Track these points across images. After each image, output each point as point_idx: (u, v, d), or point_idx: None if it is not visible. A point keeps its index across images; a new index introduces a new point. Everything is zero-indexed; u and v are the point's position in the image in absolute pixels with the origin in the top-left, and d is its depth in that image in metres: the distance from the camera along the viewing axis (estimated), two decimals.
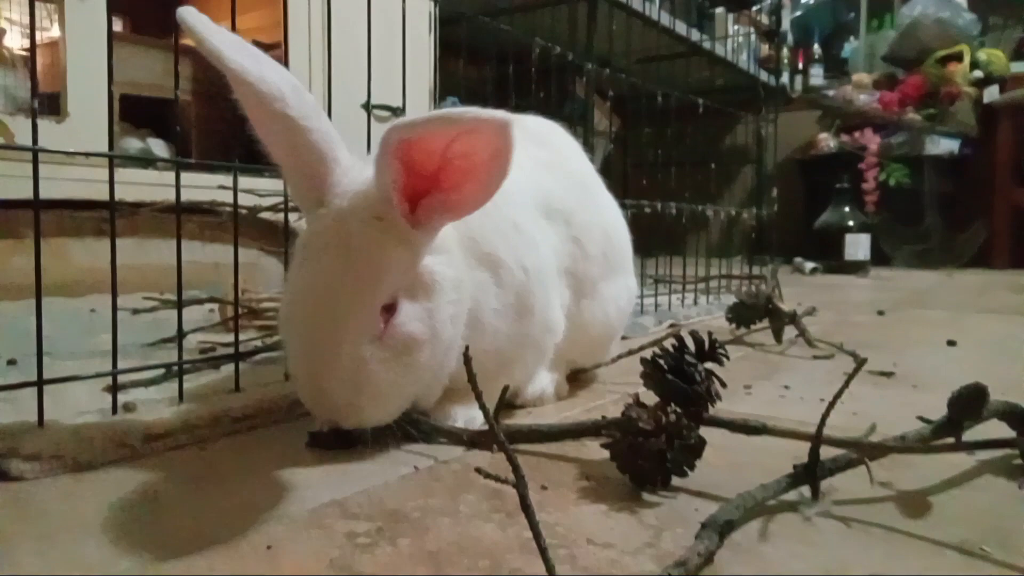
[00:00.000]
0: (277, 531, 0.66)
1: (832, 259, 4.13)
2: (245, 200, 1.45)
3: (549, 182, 1.08)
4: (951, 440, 0.78)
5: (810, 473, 0.74)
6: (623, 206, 1.92)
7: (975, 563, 0.62)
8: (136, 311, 1.39)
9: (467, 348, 0.55)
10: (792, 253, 4.30)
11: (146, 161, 2.17)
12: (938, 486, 0.79)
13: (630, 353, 1.31)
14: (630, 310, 1.30)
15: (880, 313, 2.28)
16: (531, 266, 0.95)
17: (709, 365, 0.85)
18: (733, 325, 1.73)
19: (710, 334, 0.89)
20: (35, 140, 0.84)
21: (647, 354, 0.86)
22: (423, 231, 0.81)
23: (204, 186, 1.55)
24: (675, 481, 0.77)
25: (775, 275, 1.87)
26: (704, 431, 0.79)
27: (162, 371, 1.07)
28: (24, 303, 1.68)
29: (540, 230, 1.03)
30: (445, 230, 0.86)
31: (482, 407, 0.55)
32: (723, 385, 0.87)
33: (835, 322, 2.08)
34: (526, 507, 0.52)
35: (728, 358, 0.89)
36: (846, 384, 0.74)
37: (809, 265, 4.09)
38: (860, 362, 0.73)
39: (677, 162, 2.42)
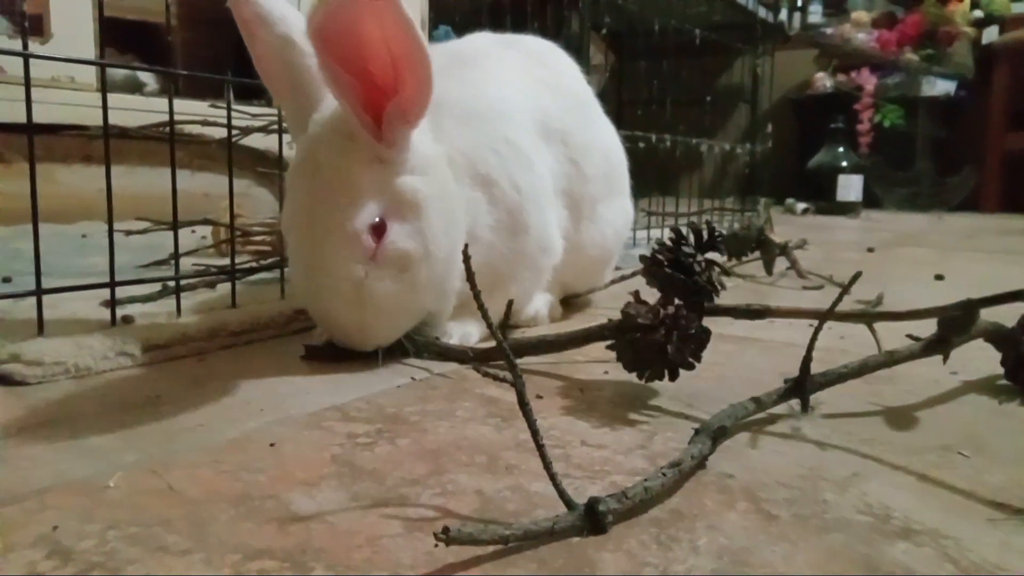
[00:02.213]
0: (279, 430, 0.67)
1: (824, 200, 4.14)
2: (237, 122, 1.44)
3: (547, 102, 1.07)
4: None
5: (800, 386, 0.75)
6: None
7: (951, 460, 0.64)
8: (129, 232, 1.38)
9: (466, 247, 0.55)
10: (785, 194, 4.30)
11: (135, 86, 2.13)
12: (924, 403, 0.81)
13: (623, 279, 1.33)
14: (627, 233, 1.31)
15: (870, 250, 2.29)
16: (525, 185, 0.95)
17: (709, 255, 0.85)
18: (725, 257, 1.74)
19: (708, 222, 0.89)
20: (25, 45, 0.83)
21: (646, 252, 0.86)
22: (392, 146, 0.81)
23: (192, 113, 1.54)
24: (670, 394, 0.79)
25: (767, 209, 1.87)
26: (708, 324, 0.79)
27: (159, 287, 1.08)
28: (14, 228, 1.67)
29: (537, 150, 1.02)
30: (428, 151, 0.86)
31: (484, 314, 0.55)
32: (725, 274, 0.87)
33: (825, 258, 2.10)
34: (523, 404, 0.53)
35: (725, 249, 0.90)
36: (837, 300, 0.75)
37: (801, 206, 4.10)
38: (846, 286, 0.74)
39: (672, 98, 2.40)
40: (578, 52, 2.63)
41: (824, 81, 4.64)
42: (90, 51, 2.41)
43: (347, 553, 0.47)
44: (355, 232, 0.79)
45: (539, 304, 1.11)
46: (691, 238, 0.82)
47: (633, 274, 1.29)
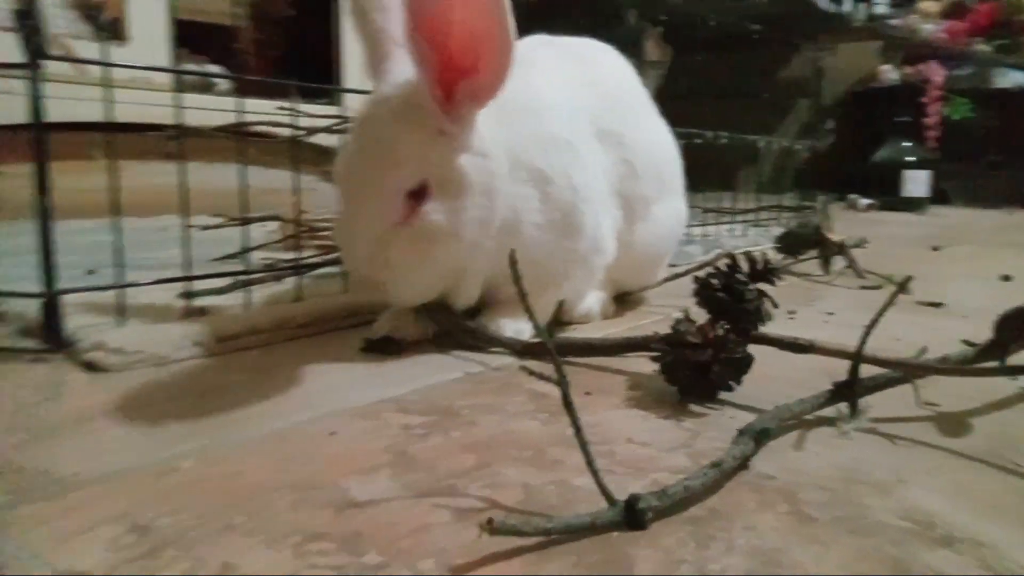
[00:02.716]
0: (337, 420, 0.71)
1: (889, 196, 4.02)
2: (302, 123, 1.49)
3: (599, 104, 1.08)
4: (994, 364, 0.79)
5: (849, 389, 0.75)
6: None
7: (1002, 468, 0.64)
8: (204, 227, 1.45)
9: (513, 252, 0.58)
10: (847, 190, 4.20)
11: (206, 85, 2.22)
12: (979, 409, 0.80)
13: (676, 277, 1.34)
14: (680, 233, 1.31)
15: (935, 248, 2.24)
16: (580, 184, 0.97)
17: (761, 285, 0.87)
18: (781, 255, 1.73)
19: (764, 255, 0.91)
20: (105, 56, 0.89)
21: (701, 274, 0.88)
22: (458, 122, 0.84)
23: (262, 112, 1.60)
24: (719, 396, 0.80)
25: (826, 206, 1.85)
26: (750, 350, 0.81)
27: (230, 281, 1.13)
28: (97, 221, 1.77)
29: (591, 151, 1.04)
30: (492, 136, 0.89)
31: (528, 312, 0.58)
32: (775, 306, 0.88)
33: (887, 255, 2.05)
34: (568, 403, 0.55)
35: (781, 278, 0.91)
36: (889, 302, 0.74)
37: (864, 201, 3.99)
38: (900, 284, 0.74)
39: (728, 94, 2.37)
40: (634, 48, 2.63)
41: (890, 74, 4.50)
42: (166, 53, 2.52)
43: (397, 539, 0.50)
44: (394, 194, 0.83)
45: (591, 301, 1.13)
46: (745, 266, 0.83)
47: (685, 272, 1.30)
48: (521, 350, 0.93)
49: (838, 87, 4.23)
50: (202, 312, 0.99)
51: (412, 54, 0.80)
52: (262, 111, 1.54)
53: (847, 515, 0.55)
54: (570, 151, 0.97)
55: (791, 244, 1.67)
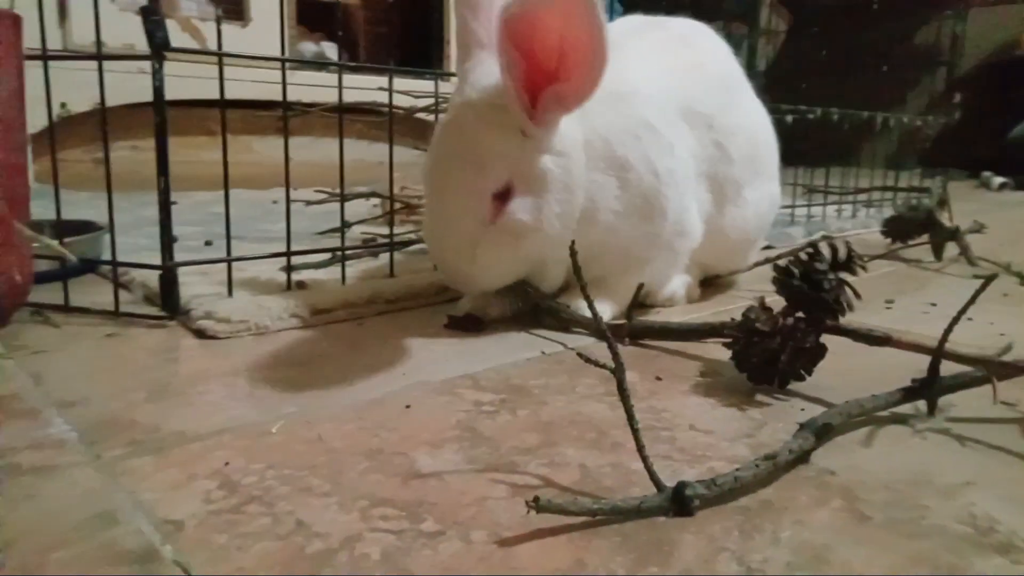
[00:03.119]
0: (415, 393, 0.76)
1: None
2: (402, 101, 1.55)
3: (691, 85, 1.08)
4: None
5: (927, 387, 0.73)
6: (779, 111, 1.85)
7: None
8: (308, 203, 1.54)
9: (572, 243, 0.60)
10: (982, 168, 3.92)
11: (318, 64, 2.32)
12: None
13: (767, 261, 1.31)
14: (772, 217, 1.29)
15: None
16: (663, 169, 0.97)
17: (843, 275, 0.85)
18: (888, 239, 1.65)
19: (847, 244, 0.88)
20: (220, 45, 0.96)
21: (781, 262, 0.87)
22: (542, 125, 0.87)
23: (369, 87, 1.66)
24: (792, 386, 0.80)
25: (944, 187, 1.74)
26: (832, 341, 0.80)
27: (328, 256, 1.20)
28: (216, 193, 1.90)
29: (678, 134, 1.04)
30: (572, 134, 0.91)
31: (586, 298, 0.59)
32: (857, 296, 0.86)
33: (1011, 242, 1.92)
34: (622, 389, 0.56)
35: (866, 270, 0.88)
36: (978, 293, 0.71)
37: (998, 180, 3.72)
38: (987, 279, 0.70)
39: (852, 65, 2.26)
40: (749, 15, 2.54)
41: None
42: (284, 33, 2.65)
43: (455, 510, 0.54)
44: (481, 195, 0.87)
45: (676, 285, 1.13)
46: (827, 255, 0.82)
47: (778, 257, 1.27)
48: (596, 330, 0.95)
49: (972, 57, 3.93)
50: (301, 286, 1.07)
51: (500, 59, 0.82)
52: (373, 85, 1.62)
53: (905, 517, 0.55)
54: (653, 135, 0.97)
55: (900, 228, 1.59)
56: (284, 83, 1.04)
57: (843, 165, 2.30)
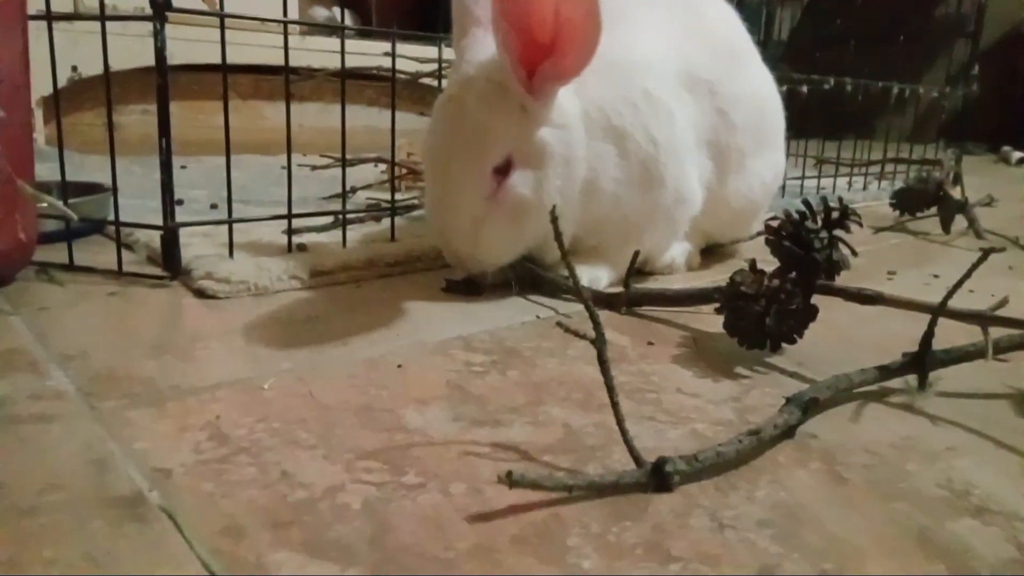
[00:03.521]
0: (409, 353, 0.77)
1: None
2: (408, 67, 1.54)
3: (695, 51, 1.06)
4: None
5: (919, 360, 0.72)
6: (791, 81, 1.83)
7: None
8: (314, 168, 1.54)
9: (553, 208, 0.58)
10: (1003, 141, 3.85)
11: (327, 28, 2.31)
12: None
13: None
14: (776, 187, 1.28)
15: None
16: (662, 138, 0.97)
17: (837, 232, 0.83)
18: (897, 212, 1.64)
19: (840, 199, 0.87)
20: (221, 6, 0.96)
21: (773, 223, 0.86)
22: (540, 99, 0.87)
23: (377, 53, 1.66)
24: (785, 355, 0.80)
25: (958, 160, 1.72)
26: (832, 312, 0.79)
27: (331, 219, 1.21)
28: (224, 158, 1.92)
29: (679, 101, 1.03)
30: (569, 106, 0.91)
31: (570, 270, 0.58)
32: (854, 253, 0.85)
33: (1022, 216, 1.90)
34: (602, 362, 0.55)
35: (860, 225, 0.87)
36: (973, 268, 0.71)
37: (1017, 155, 3.66)
38: (988, 251, 0.70)
39: (872, 34, 2.22)
40: None
41: None
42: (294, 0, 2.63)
43: (438, 463, 0.55)
44: (483, 173, 0.88)
45: (675, 253, 1.13)
46: (819, 213, 0.80)
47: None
48: (589, 299, 0.95)
49: (996, 29, 3.84)
50: (302, 248, 1.08)
51: (496, 35, 0.82)
52: (385, 51, 1.62)
53: (883, 479, 0.56)
54: (651, 104, 0.97)
55: (908, 201, 1.58)
56: (286, 47, 1.04)
57: (861, 137, 2.28)
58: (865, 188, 2.09)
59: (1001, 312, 0.73)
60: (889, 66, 2.22)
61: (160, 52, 0.93)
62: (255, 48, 2.01)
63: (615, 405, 0.55)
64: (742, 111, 1.11)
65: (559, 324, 0.55)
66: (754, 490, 0.53)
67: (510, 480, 0.46)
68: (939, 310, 0.71)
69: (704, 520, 0.49)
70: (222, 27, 0.96)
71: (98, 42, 0.93)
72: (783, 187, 1.80)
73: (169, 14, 0.93)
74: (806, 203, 0.83)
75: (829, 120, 2.11)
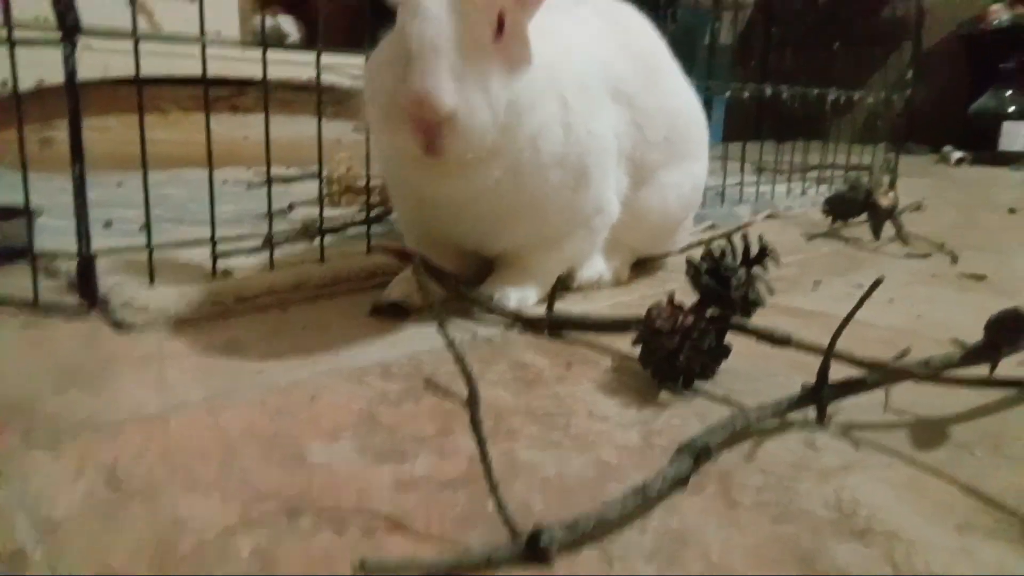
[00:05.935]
0: (324, 381, 0.77)
1: (985, 150, 3.77)
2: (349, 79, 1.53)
3: (617, 63, 1.06)
4: (982, 374, 0.73)
5: (815, 394, 0.72)
6: (735, 88, 1.85)
7: (959, 459, 0.63)
8: (249, 185, 1.53)
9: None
10: (944, 141, 3.96)
11: (280, 38, 2.29)
12: (963, 414, 0.74)
13: (700, 244, 1.33)
14: (696, 198, 1.28)
15: (1011, 211, 2.11)
16: (596, 132, 0.98)
17: (756, 270, 0.84)
18: (829, 219, 1.68)
19: (761, 238, 0.88)
20: (134, 28, 0.95)
21: (694, 257, 0.87)
22: None
23: (330, 64, 1.64)
24: (697, 383, 0.80)
25: (892, 164, 1.76)
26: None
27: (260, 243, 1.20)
28: (169, 172, 1.88)
29: (604, 108, 1.03)
30: (539, 51, 0.88)
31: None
32: (770, 292, 0.85)
33: (953, 221, 1.96)
34: (475, 421, 0.53)
35: (778, 266, 0.87)
36: (867, 295, 0.71)
37: (956, 155, 3.76)
38: (875, 283, 0.70)
39: (819, 39, 2.27)
40: None
41: (1000, 14, 4.16)
42: (235, 9, 2.60)
43: (337, 500, 0.55)
44: (491, 5, 0.81)
45: (600, 267, 1.14)
46: (738, 251, 0.81)
47: (711, 240, 1.29)
48: (513, 322, 0.96)
49: (943, 29, 3.95)
50: (227, 274, 1.06)
51: None
52: (331, 64, 1.60)
53: (774, 500, 0.57)
54: (588, 99, 0.97)
55: (840, 208, 1.61)
56: (204, 60, 1.04)
57: (814, 140, 2.31)
58: (803, 193, 2.13)
59: (921, 328, 0.74)
60: (837, 70, 2.27)
61: (71, 76, 0.92)
62: (197, 61, 1.99)
63: (488, 470, 0.51)
64: (656, 125, 1.10)
65: (427, 381, 0.54)
66: (646, 521, 0.54)
67: (364, 569, 0.43)
68: (828, 358, 0.71)
69: (592, 552, 0.50)
70: (135, 44, 0.95)
71: (30, 56, 0.92)
72: (722, 193, 1.84)
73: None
74: (729, 239, 0.84)
75: (779, 126, 2.15)
